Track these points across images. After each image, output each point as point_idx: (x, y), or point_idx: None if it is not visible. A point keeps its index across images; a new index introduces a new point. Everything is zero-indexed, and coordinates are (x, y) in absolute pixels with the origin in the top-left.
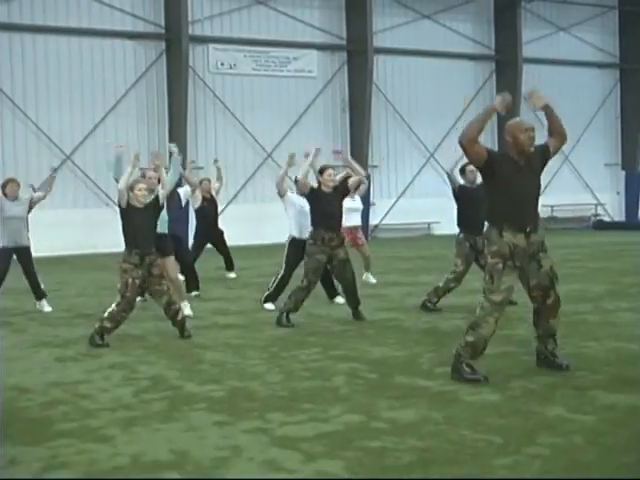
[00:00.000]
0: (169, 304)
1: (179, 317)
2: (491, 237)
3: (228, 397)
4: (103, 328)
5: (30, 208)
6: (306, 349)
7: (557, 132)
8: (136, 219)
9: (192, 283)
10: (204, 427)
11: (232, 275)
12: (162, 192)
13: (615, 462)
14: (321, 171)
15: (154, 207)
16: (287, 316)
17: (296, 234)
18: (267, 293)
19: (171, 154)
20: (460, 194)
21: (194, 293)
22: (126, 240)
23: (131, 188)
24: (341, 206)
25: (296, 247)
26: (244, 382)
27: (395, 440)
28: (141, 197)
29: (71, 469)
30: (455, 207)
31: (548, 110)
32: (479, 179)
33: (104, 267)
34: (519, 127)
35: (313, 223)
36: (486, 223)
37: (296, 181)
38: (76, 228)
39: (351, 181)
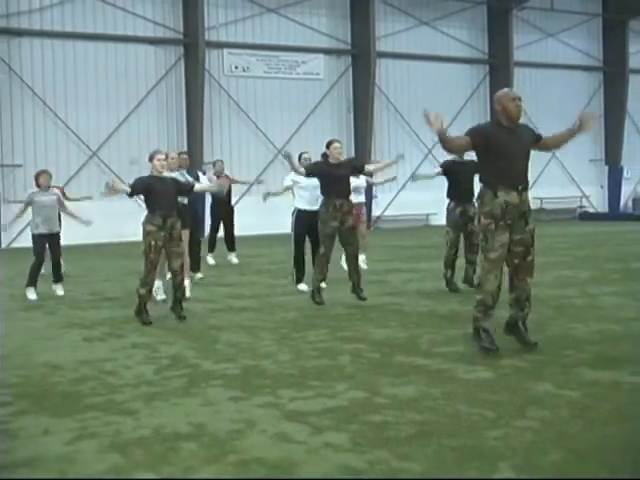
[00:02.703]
0: (182, 267)
1: (182, 286)
2: (485, 198)
3: (242, 374)
4: (141, 297)
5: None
6: (315, 330)
7: (560, 142)
8: (157, 187)
9: (194, 264)
10: (220, 402)
11: (234, 259)
12: (199, 186)
13: (598, 433)
14: (328, 144)
15: (182, 188)
16: (318, 291)
17: (300, 206)
18: (294, 272)
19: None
20: (449, 169)
21: (198, 275)
22: (148, 206)
23: (150, 158)
24: (348, 176)
25: (301, 219)
26: (257, 361)
27: (396, 414)
28: (159, 167)
29: (99, 439)
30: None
31: (579, 132)
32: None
33: (128, 255)
34: (507, 96)
35: (323, 193)
36: (480, 185)
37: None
38: (101, 219)
39: (367, 168)
